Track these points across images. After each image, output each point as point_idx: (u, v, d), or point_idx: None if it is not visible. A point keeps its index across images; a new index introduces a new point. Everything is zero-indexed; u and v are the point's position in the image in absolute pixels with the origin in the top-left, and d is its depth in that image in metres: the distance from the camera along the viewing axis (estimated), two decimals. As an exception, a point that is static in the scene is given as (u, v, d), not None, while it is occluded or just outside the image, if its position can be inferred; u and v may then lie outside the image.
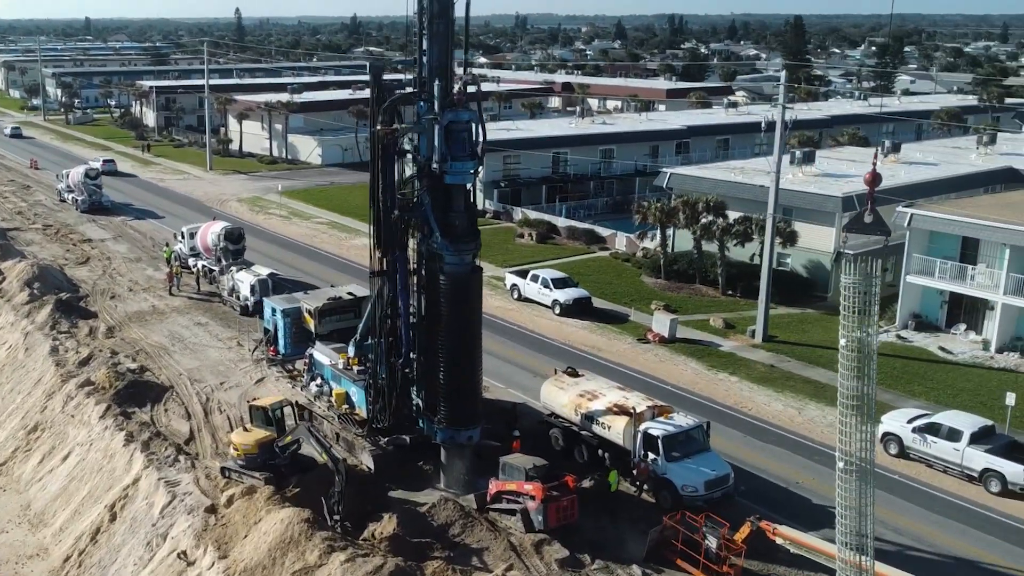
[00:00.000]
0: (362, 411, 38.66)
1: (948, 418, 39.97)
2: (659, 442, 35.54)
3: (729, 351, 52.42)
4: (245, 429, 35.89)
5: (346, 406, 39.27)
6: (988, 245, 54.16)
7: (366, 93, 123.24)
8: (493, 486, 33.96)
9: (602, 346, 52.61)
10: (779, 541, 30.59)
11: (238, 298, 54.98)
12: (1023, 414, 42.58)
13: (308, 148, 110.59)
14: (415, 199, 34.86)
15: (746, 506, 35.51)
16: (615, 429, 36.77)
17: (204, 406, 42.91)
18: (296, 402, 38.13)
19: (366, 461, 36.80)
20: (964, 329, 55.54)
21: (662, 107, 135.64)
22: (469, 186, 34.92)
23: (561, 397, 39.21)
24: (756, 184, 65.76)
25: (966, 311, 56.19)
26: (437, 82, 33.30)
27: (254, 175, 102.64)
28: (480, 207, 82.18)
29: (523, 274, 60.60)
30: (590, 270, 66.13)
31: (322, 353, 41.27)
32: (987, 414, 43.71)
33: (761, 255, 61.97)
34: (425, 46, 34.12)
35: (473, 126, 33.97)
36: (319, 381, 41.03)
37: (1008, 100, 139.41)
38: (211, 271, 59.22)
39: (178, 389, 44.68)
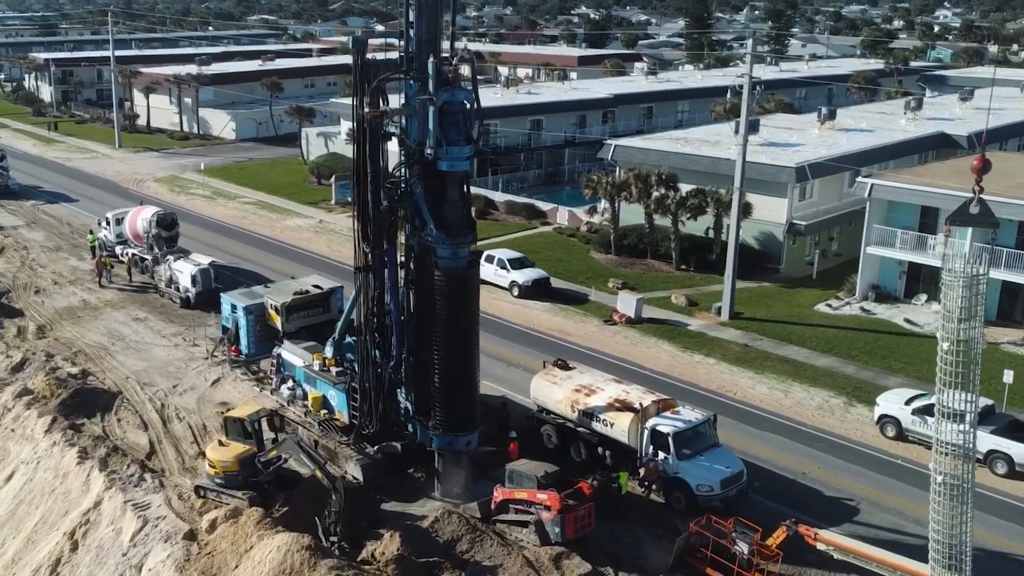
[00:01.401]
0: (343, 416, 35.20)
1: (947, 398, 38.28)
2: (669, 439, 33.01)
3: (698, 330, 50.20)
4: (220, 443, 32.11)
5: (324, 411, 35.73)
6: (947, 214, 52.77)
7: (277, 64, 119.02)
8: (498, 494, 30.96)
9: (569, 330, 49.86)
10: (821, 547, 28.39)
11: (177, 289, 50.54)
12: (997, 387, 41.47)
13: (221, 123, 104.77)
14: (404, 188, 31.33)
15: (761, 504, 33.36)
16: (619, 426, 34.10)
17: (160, 413, 38.81)
18: (276, 411, 34.42)
19: (353, 471, 33.44)
20: (925, 300, 54.39)
21: (573, 75, 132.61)
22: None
23: (555, 392, 36.34)
24: (706, 155, 63.67)
25: (925, 281, 55.05)
26: (431, 59, 29.83)
27: (167, 152, 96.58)
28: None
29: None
30: (537, 247, 63.20)
31: (292, 353, 37.52)
32: (983, 392, 42.38)
33: (716, 229, 60.18)
34: (412, 17, 30.59)
35: (468, 107, 30.58)
36: (291, 384, 37.31)
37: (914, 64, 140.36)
38: (143, 260, 54.48)
39: (128, 395, 40.41)
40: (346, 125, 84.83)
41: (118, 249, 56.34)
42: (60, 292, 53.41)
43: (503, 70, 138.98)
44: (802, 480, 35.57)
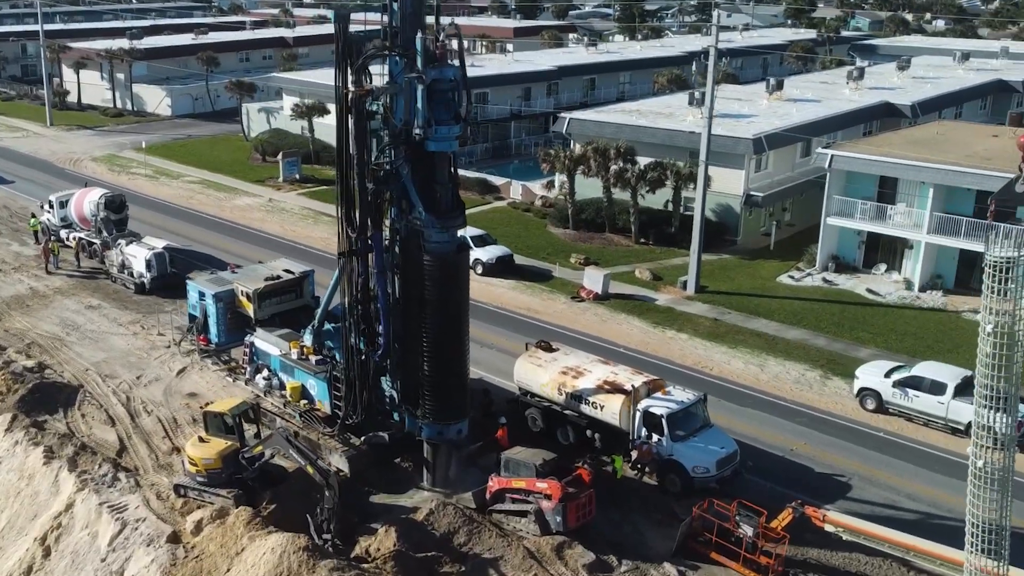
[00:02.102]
0: (324, 406, 33.55)
1: (928, 370, 38.00)
2: (663, 421, 32.01)
3: (666, 305, 49.34)
4: (200, 439, 30.26)
5: (304, 401, 34.03)
6: (906, 184, 52.75)
7: (211, 37, 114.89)
8: (494, 483, 29.67)
9: (537, 307, 48.63)
10: (829, 528, 27.66)
11: (131, 275, 48.06)
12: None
13: (156, 99, 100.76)
14: (388, 169, 29.64)
15: (755, 484, 32.60)
16: (609, 409, 32.99)
17: (127, 407, 36.69)
18: (258, 404, 32.62)
19: (338, 464, 31.82)
20: (884, 269, 54.23)
21: (510, 47, 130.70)
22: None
23: (540, 375, 35.08)
24: (663, 128, 62.69)
25: (883, 251, 54.90)
26: (420, 34, 28.16)
27: (101, 130, 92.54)
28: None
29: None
30: (494, 223, 61.67)
31: (267, 341, 35.66)
32: (940, 358, 42.26)
33: (675, 202, 59.34)
34: (396, -11, 28.85)
35: (458, 85, 28.97)
36: (266, 374, 35.47)
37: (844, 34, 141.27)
38: (91, 244, 51.80)
39: (90, 388, 38.16)
40: (289, 100, 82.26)
41: (63, 233, 53.49)
42: (5, 280, 50.51)
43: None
44: (791, 457, 34.92)
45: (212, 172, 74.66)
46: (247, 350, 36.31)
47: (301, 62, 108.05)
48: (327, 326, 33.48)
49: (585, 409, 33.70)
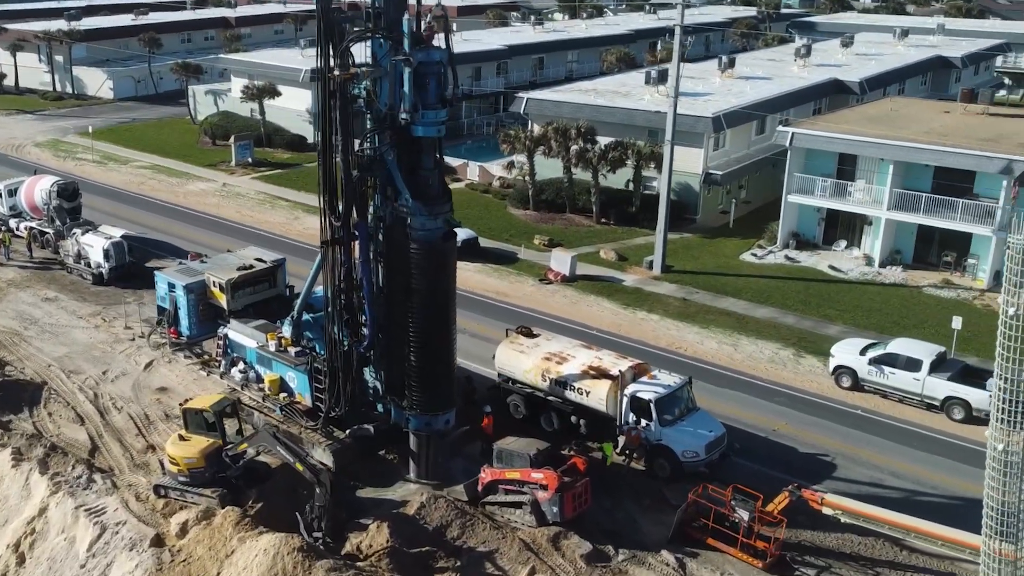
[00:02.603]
0: (305, 399, 32.34)
1: (903, 347, 37.86)
2: (651, 406, 31.35)
3: (634, 286, 48.74)
4: (181, 437, 28.89)
5: (284, 394, 32.76)
6: (865, 161, 52.65)
7: (151, 18, 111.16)
8: (486, 475, 28.74)
9: (506, 290, 47.69)
10: (827, 511, 27.19)
11: (88, 265, 46.09)
12: (925, 329, 41.29)
13: (97, 81, 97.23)
14: (374, 156, 28.42)
15: (742, 466, 32.14)
16: (596, 394, 32.25)
17: (95, 404, 35.04)
18: (239, 399, 31.29)
19: (322, 458, 30.60)
20: (845, 246, 54.18)
21: (454, 25, 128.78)
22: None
23: (523, 361, 34.21)
24: (622, 107, 61.93)
25: (843, 227, 54.85)
26: (407, 16, 26.95)
27: (42, 114, 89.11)
28: (311, 140, 74.66)
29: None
30: (453, 205, 60.28)
31: (242, 333, 34.24)
32: (906, 334, 42.29)
33: (636, 181, 58.65)
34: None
35: (443, 68, 27.82)
36: (242, 367, 34.08)
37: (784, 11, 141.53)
38: (44, 234, 49.64)
39: (54, 385, 36.41)
40: (238, 82, 79.94)
41: (12, 223, 51.22)
42: (-46, 272, 48.26)
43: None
44: (773, 438, 34.54)
45: (162, 157, 72.25)
46: (221, 342, 34.86)
47: (244, 43, 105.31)
48: (306, 316, 32.19)
49: (570, 395, 32.92)
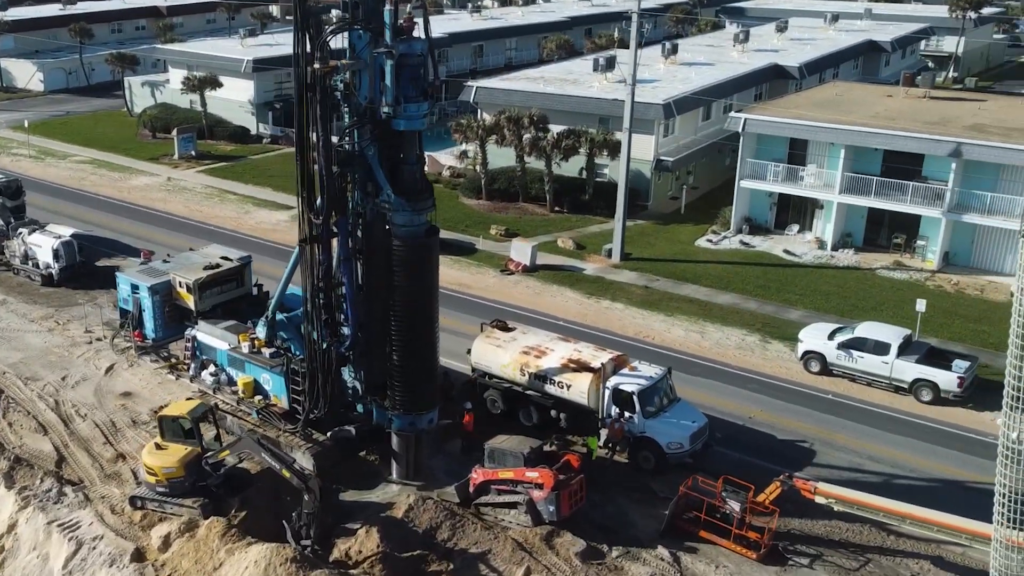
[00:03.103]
0: (280, 401, 31.13)
1: (870, 331, 37.85)
2: (634, 398, 30.78)
3: (595, 274, 48.19)
4: (158, 446, 27.52)
5: (259, 397, 31.49)
6: (816, 145, 52.73)
7: (80, 7, 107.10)
8: (478, 475, 27.87)
9: (468, 282, 46.76)
10: (820, 500, 26.88)
11: (36, 266, 43.98)
12: (883, 313, 41.51)
13: (27, 73, 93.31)
14: (354, 151, 27.26)
15: (725, 455, 31.77)
16: (577, 388, 31.58)
17: (57, 412, 33.32)
18: (216, 404, 29.95)
19: (302, 462, 29.38)
20: (797, 230, 54.28)
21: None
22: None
23: (500, 356, 33.38)
24: (573, 95, 61.25)
25: (794, 211, 54.94)
26: (388, 6, 25.83)
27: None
28: (255, 132, 72.77)
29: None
30: (405, 195, 59.19)
31: (211, 335, 32.81)
32: (866, 316, 42.46)
33: (589, 169, 58.07)
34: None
35: (425, 60, 26.77)
36: (212, 369, 32.67)
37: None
38: (-14, 234, 47.34)
39: (12, 393, 34.54)
40: (176, 74, 77.49)
41: (-51, 223, 48.71)
42: None
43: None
44: (751, 425, 34.24)
45: (101, 151, 69.59)
46: (189, 345, 33.38)
47: (177, 32, 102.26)
48: (279, 316, 30.94)
49: (550, 389, 32.20)
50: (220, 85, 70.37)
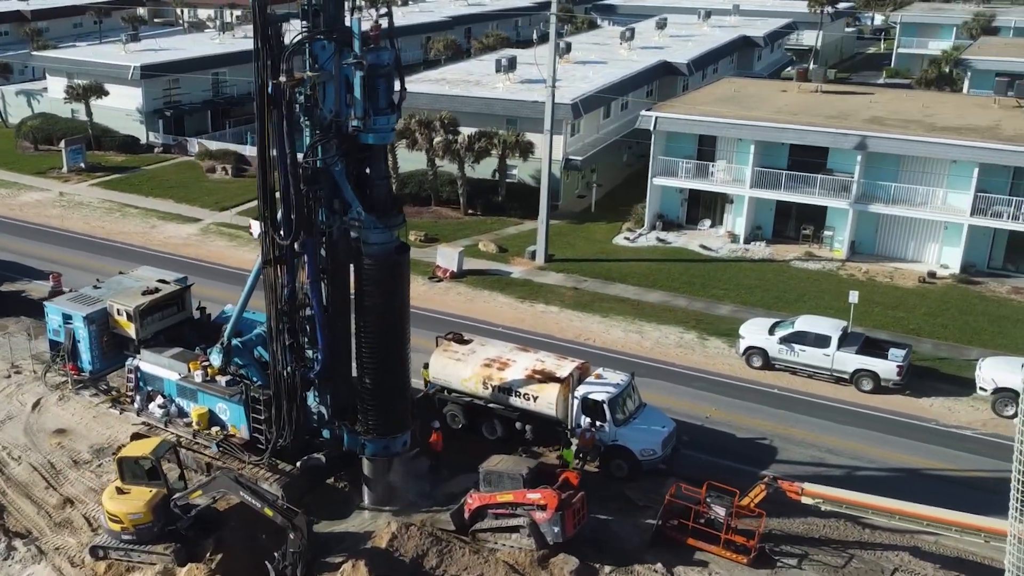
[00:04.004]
0: (240, 431, 28.97)
1: (809, 324, 37.99)
2: (604, 407, 29.90)
3: (522, 277, 47.18)
4: (119, 491, 25.13)
5: (215, 428, 29.24)
6: (724, 141, 52.96)
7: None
8: (474, 500, 26.43)
9: (397, 291, 44.94)
10: (807, 501, 26.47)
11: (-67, 294, 40.22)
12: (813, 305, 41.94)
13: None
14: (319, 166, 25.41)
15: (695, 458, 31.26)
16: (545, 399, 30.50)
17: (-13, 456, 30.36)
18: (179, 441, 27.59)
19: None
20: (709, 225, 54.47)
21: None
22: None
23: (461, 370, 31.99)
24: (480, 97, 60.04)
25: (704, 206, 55.14)
26: (357, 15, 24.14)
27: None
28: (145, 141, 68.94)
29: (274, 219, 50.28)
30: (313, 202, 56.88)
31: (157, 364, 30.28)
32: (792, 308, 42.86)
33: (501, 171, 56.98)
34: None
35: (392, 71, 25.15)
36: (160, 401, 30.18)
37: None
38: None
39: (-72, 439, 31.32)
40: (55, 82, 72.68)
41: None
42: None
43: (182, 12, 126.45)
44: (708, 425, 33.83)
45: (-27, 166, 64.78)
46: (132, 376, 30.75)
47: (45, 37, 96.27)
48: (235, 342, 28.77)
49: (515, 401, 31.02)
50: (106, 93, 66.28)
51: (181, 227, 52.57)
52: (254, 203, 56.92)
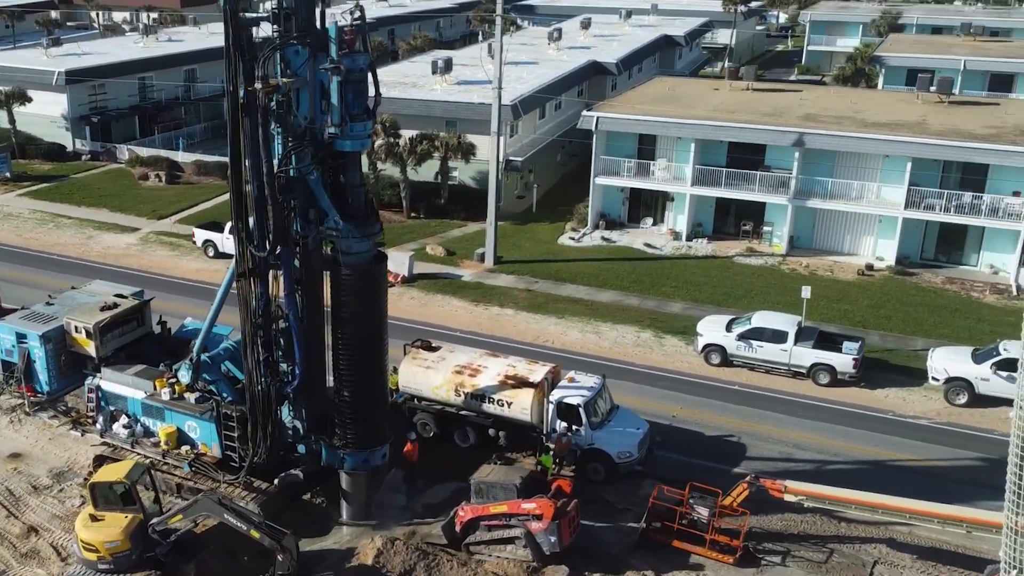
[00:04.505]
0: (212, 449, 27.65)
1: (766, 320, 38.03)
2: (580, 410, 29.37)
3: (474, 280, 46.41)
4: (93, 518, 23.69)
5: (186, 447, 27.85)
6: (664, 140, 52.92)
7: None
8: (465, 512, 25.60)
9: (349, 297, 43.77)
10: (790, 498, 26.32)
11: None
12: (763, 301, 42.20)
13: None
14: (294, 175, 24.30)
15: (669, 459, 30.97)
16: (519, 404, 29.84)
17: (-62, 485, 28.45)
18: (152, 463, 26.13)
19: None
20: (651, 223, 54.41)
21: (193, 16, 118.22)
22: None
23: (431, 378, 31.11)
24: (419, 99, 58.93)
25: (645, 205, 55.07)
26: (333, 19, 23.11)
27: None
28: (71, 148, 66.19)
29: (215, 227, 48.65)
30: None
31: (119, 383, 28.69)
32: (743, 303, 43.03)
33: (443, 173, 56.06)
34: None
35: (366, 76, 24.18)
36: (125, 421, 28.61)
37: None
38: None
39: None
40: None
41: None
42: None
43: (97, 16, 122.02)
44: (677, 424, 33.54)
45: None
46: (92, 396, 29.10)
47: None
48: (203, 357, 27.42)
49: (488, 408, 30.29)
50: (29, 100, 63.34)
51: (120, 237, 50.42)
52: (193, 211, 55.41)
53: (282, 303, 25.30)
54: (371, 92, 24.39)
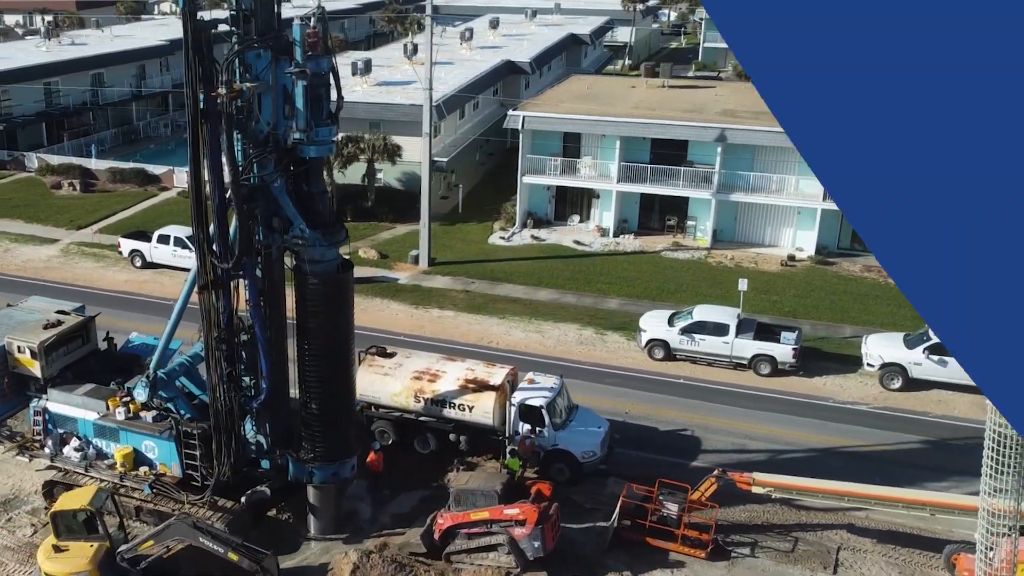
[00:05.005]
0: (172, 469, 26.22)
1: (707, 314, 38.14)
2: (543, 412, 28.88)
3: (410, 283, 45.51)
4: (57, 548, 22.17)
5: (144, 468, 26.34)
6: (589, 138, 52.86)
7: None
8: (445, 520, 24.79)
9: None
10: (758, 490, 26.34)
11: None
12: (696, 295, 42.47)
13: None
14: (257, 183, 23.17)
15: (630, 455, 30.70)
16: (481, 408, 29.19)
17: None
18: (116, 488, 24.55)
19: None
20: (578, 220, 54.28)
21: (95, 19, 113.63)
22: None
23: (389, 384, 30.20)
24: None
25: (571, 203, 54.92)
26: (298, 20, 22.06)
27: None
28: (-26, 158, 62.67)
29: (142, 236, 46.48)
30: (173, 216, 53.22)
31: (68, 403, 26.94)
32: (677, 298, 43.25)
33: (370, 176, 54.88)
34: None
35: (329, 80, 23.21)
36: (76, 443, 26.88)
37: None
38: None
39: None
40: None
41: None
42: None
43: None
44: (631, 420, 33.33)
45: None
46: (39, 418, 27.28)
47: None
48: (159, 373, 25.98)
49: (449, 413, 29.54)
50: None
51: (39, 249, 47.85)
52: (113, 219, 52.99)
53: (244, 316, 24.10)
54: (333, 96, 23.40)
